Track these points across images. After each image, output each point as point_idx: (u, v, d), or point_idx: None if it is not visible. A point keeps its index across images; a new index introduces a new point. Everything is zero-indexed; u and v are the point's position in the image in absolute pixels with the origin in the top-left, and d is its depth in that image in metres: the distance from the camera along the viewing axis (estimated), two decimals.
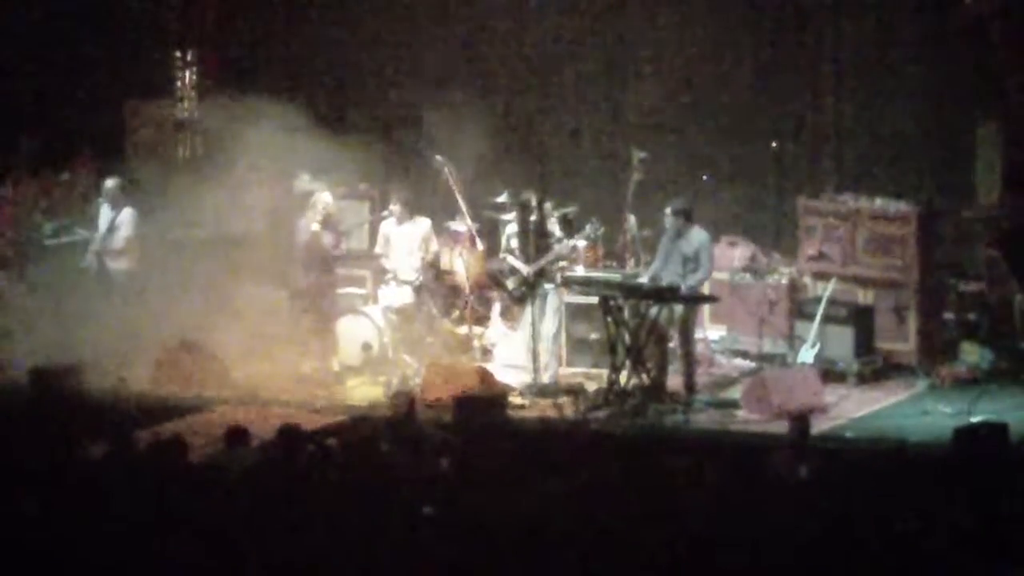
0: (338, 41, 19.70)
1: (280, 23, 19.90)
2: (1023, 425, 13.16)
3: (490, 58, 19.28)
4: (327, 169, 17.17)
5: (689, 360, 15.33)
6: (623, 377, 15.08)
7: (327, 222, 16.26)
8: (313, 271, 16.14)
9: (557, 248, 15.70)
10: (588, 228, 15.75)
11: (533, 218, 15.71)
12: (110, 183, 16.87)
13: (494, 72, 19.27)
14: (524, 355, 15.76)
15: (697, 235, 15.27)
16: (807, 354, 15.70)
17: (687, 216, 15.27)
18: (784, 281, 16.56)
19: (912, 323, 16.00)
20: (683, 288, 15.03)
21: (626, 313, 15.25)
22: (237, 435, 12.05)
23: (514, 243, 15.82)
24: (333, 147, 16.60)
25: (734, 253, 17.01)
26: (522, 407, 15.14)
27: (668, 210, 15.32)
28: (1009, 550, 9.48)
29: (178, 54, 19.97)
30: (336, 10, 19.72)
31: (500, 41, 19.24)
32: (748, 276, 16.74)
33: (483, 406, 13.98)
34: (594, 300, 15.52)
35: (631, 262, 16.71)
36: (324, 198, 16.35)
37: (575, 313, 16.20)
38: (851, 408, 15.10)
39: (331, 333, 16.17)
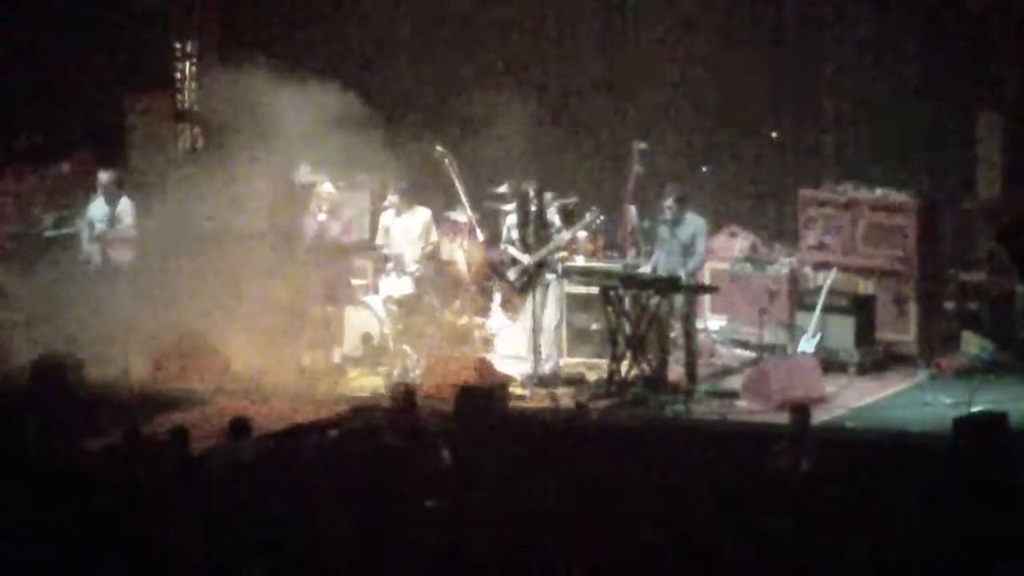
0: (337, 34, 19.67)
1: (278, 16, 19.85)
2: (1023, 415, 13.18)
3: (492, 49, 19.26)
4: (327, 160, 17.16)
5: (690, 350, 15.35)
6: (624, 367, 15.09)
7: (333, 211, 16.29)
8: (326, 262, 16.15)
9: (557, 238, 15.70)
10: (588, 216, 15.75)
11: (533, 209, 15.71)
12: (105, 176, 16.85)
13: (495, 64, 19.25)
14: (525, 346, 15.77)
15: (692, 220, 15.29)
16: (808, 344, 15.70)
17: (684, 202, 15.29)
18: (785, 271, 16.55)
19: (913, 313, 15.99)
20: (683, 277, 15.05)
21: (627, 303, 15.26)
22: (239, 427, 12.06)
23: (514, 234, 15.83)
24: (333, 137, 16.58)
25: (735, 243, 17.02)
26: (523, 398, 15.14)
27: (669, 200, 15.31)
28: (1009, 541, 9.50)
29: (177, 45, 19.95)
30: (334, 4, 19.68)
31: (501, 33, 19.22)
32: (749, 266, 16.74)
33: (484, 397, 13.98)
34: (595, 290, 15.52)
35: (631, 252, 16.71)
36: (325, 188, 16.38)
37: (576, 303, 16.20)
38: (852, 398, 15.11)
39: (340, 323, 16.18)
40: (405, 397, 13.07)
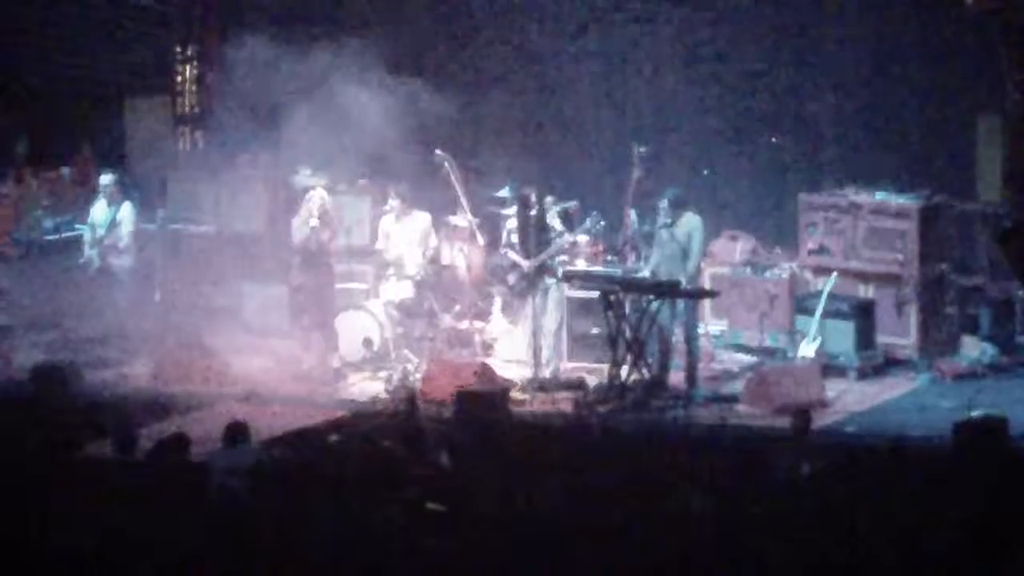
0: (337, 39, 19.65)
1: (279, 21, 19.82)
2: (1023, 420, 13.16)
3: (491, 53, 19.25)
4: (327, 164, 17.15)
5: (690, 354, 15.34)
6: (624, 372, 15.09)
7: (324, 218, 16.24)
8: (312, 267, 16.10)
9: (557, 243, 15.71)
10: (589, 222, 15.77)
11: (533, 213, 15.72)
12: (107, 178, 16.88)
13: (495, 67, 19.24)
14: (525, 350, 15.77)
15: (689, 219, 15.30)
16: (808, 348, 15.69)
17: (679, 204, 15.29)
18: (785, 275, 16.55)
19: (913, 317, 16.00)
20: (683, 281, 15.04)
21: (627, 308, 15.26)
22: (236, 433, 12.04)
23: (514, 238, 15.83)
24: (333, 142, 16.58)
25: (735, 247, 17.03)
26: (523, 402, 15.13)
27: (664, 202, 15.32)
28: (1009, 545, 9.49)
29: (178, 49, 19.95)
30: (332, 13, 19.66)
31: (501, 36, 19.21)
32: (749, 270, 16.75)
33: (484, 401, 13.98)
34: (595, 295, 15.52)
35: (632, 257, 16.70)
36: (319, 194, 16.34)
37: (576, 308, 16.19)
38: (852, 402, 15.11)
39: (331, 329, 16.16)
40: (405, 402, 13.08)
